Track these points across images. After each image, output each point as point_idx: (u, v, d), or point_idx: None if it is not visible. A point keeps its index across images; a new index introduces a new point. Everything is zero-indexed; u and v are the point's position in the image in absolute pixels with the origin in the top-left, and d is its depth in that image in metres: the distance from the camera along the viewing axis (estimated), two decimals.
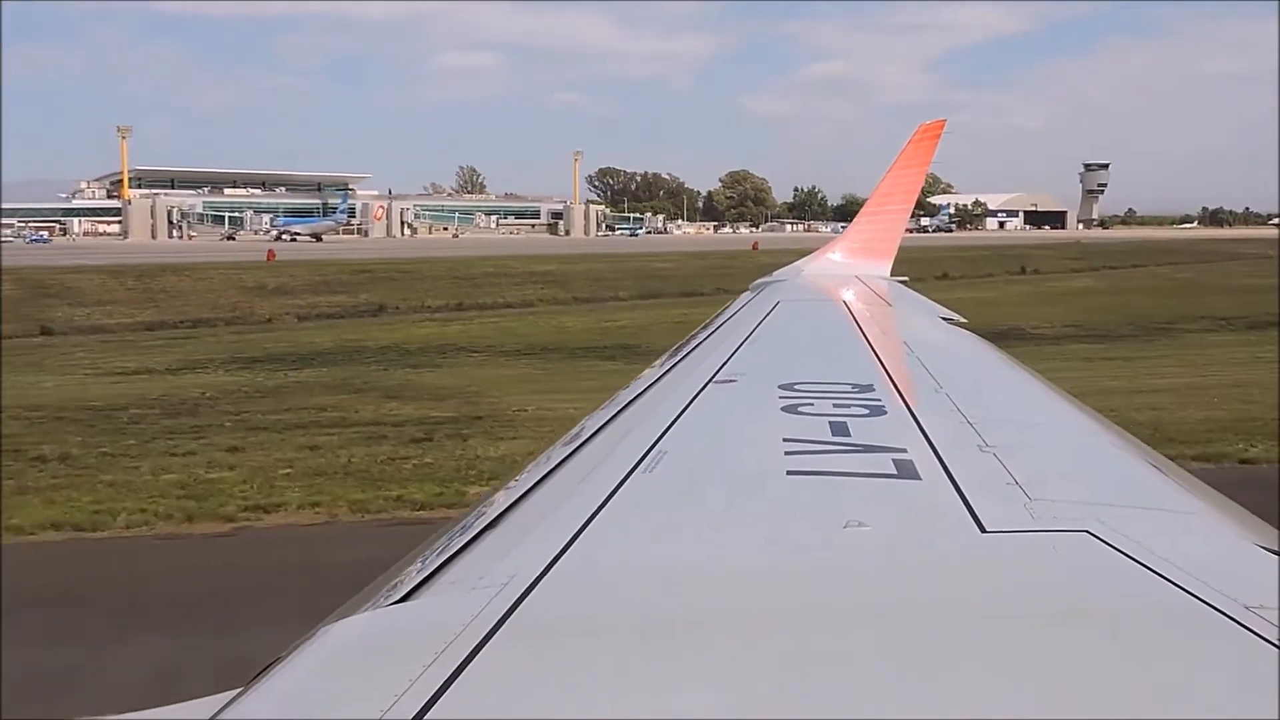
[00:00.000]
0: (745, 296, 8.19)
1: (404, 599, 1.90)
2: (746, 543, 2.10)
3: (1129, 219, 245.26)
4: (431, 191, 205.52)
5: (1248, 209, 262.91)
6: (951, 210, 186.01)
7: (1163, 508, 2.43)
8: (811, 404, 3.26)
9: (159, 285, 60.23)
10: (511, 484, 2.86)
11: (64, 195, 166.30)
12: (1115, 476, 2.80)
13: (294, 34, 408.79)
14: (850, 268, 9.48)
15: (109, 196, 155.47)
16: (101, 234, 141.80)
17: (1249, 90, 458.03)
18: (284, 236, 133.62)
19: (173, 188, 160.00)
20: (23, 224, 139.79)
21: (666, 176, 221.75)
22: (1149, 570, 1.81)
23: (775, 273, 9.41)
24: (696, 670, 1.50)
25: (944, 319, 7.07)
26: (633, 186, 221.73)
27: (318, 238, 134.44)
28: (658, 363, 5.15)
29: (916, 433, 2.86)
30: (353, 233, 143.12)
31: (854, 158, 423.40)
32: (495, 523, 2.39)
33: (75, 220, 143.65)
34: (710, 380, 3.89)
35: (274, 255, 75.89)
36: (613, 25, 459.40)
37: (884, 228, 10.10)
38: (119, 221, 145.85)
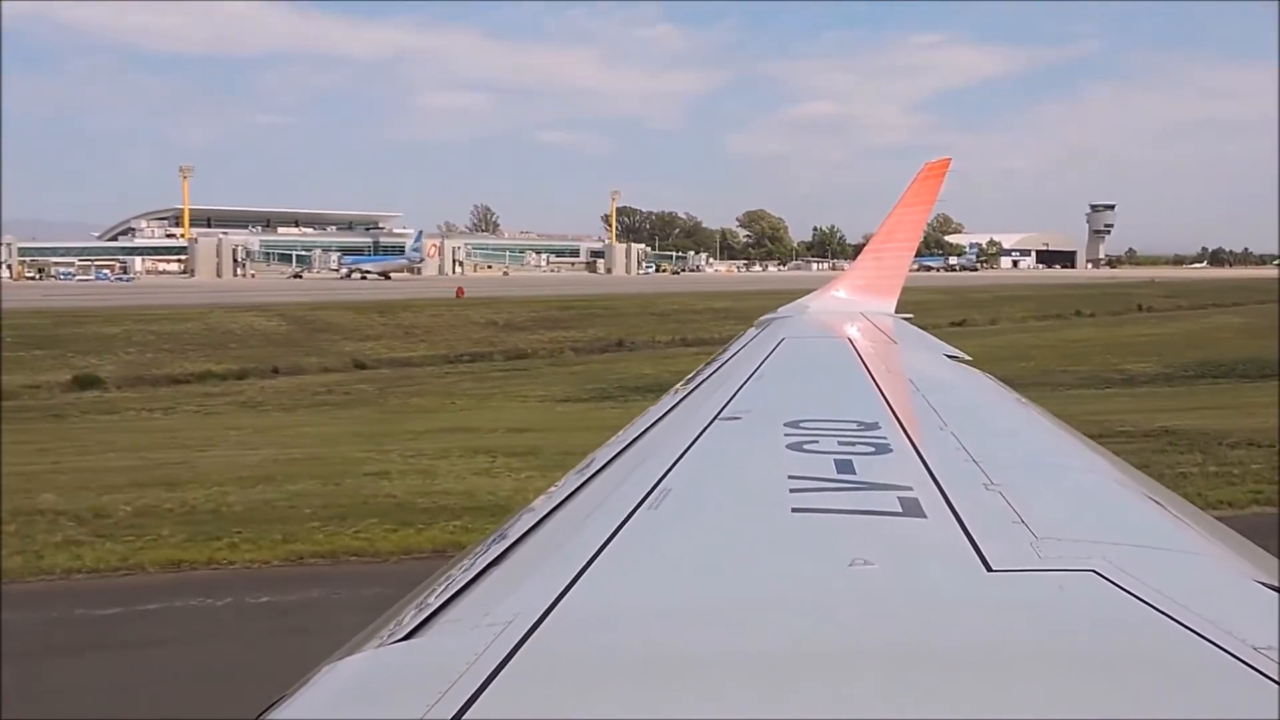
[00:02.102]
0: (750, 333, 8.12)
1: (407, 637, 1.90)
2: (751, 581, 2.07)
3: (1130, 259, 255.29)
4: (446, 230, 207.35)
5: (1246, 249, 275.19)
6: (977, 250, 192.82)
7: (1170, 547, 2.42)
8: (816, 441, 3.25)
9: (399, 321, 62.40)
10: (515, 521, 2.84)
11: (95, 234, 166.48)
12: (1122, 515, 2.77)
13: (277, 71, 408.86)
14: (855, 304, 9.40)
15: (166, 235, 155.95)
16: (162, 272, 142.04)
17: (1237, 135, 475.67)
18: (354, 274, 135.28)
19: (207, 225, 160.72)
20: (85, 263, 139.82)
21: (683, 216, 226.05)
22: (1156, 610, 1.79)
23: (780, 309, 9.35)
24: (701, 711, 1.49)
25: (949, 356, 6.95)
26: (647, 226, 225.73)
27: (387, 275, 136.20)
28: (663, 399, 5.15)
29: (922, 471, 2.84)
30: (414, 271, 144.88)
31: (844, 197, 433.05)
32: (499, 560, 2.39)
33: (137, 259, 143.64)
34: (715, 417, 3.88)
35: (463, 292, 78.17)
36: (598, 64, 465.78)
37: (889, 265, 10.09)
38: (179, 260, 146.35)
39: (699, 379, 5.66)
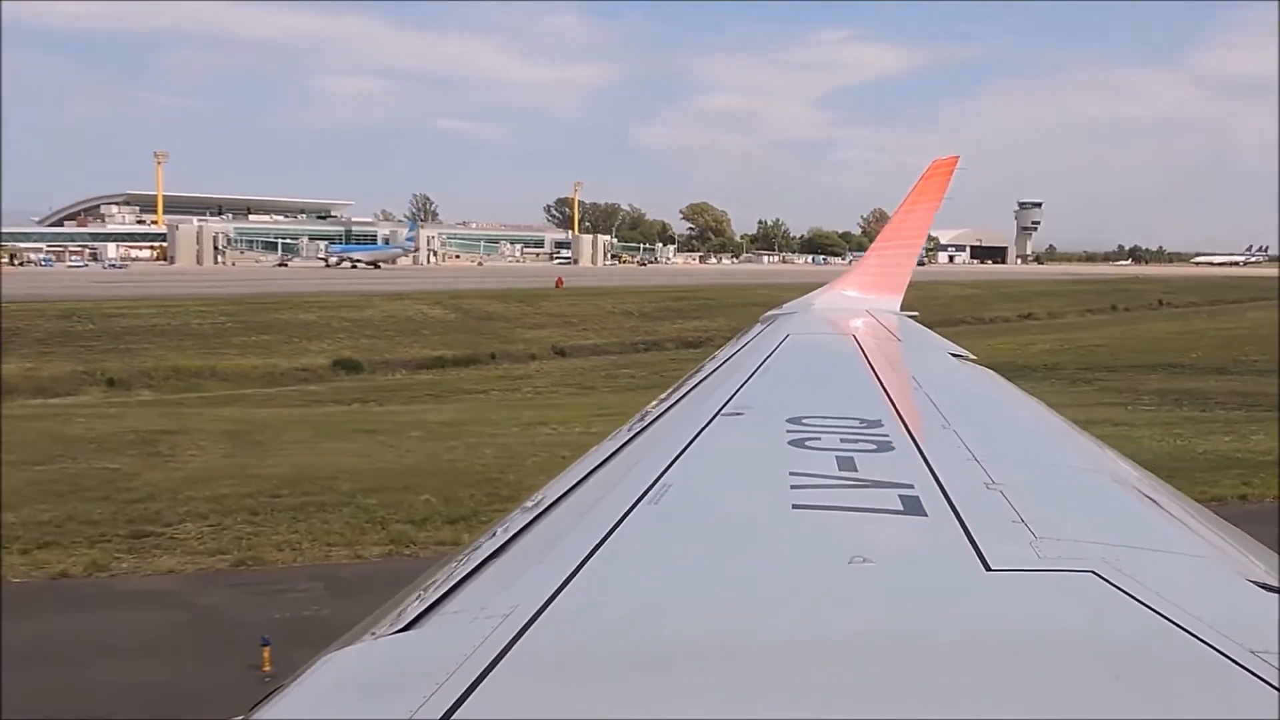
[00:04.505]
0: (755, 329, 8.16)
1: (406, 628, 1.91)
2: (751, 577, 2.06)
3: (1052, 255, 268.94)
4: (381, 218, 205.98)
5: (1161, 247, 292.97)
6: (928, 245, 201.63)
7: (1169, 548, 2.43)
8: (819, 438, 3.22)
9: (544, 310, 64.56)
10: (516, 514, 2.84)
11: (35, 219, 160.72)
12: (1123, 516, 2.77)
13: (174, 51, 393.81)
14: (861, 302, 9.39)
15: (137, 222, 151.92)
16: (135, 259, 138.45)
17: (1145, 134, 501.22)
18: (343, 263, 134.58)
19: (179, 212, 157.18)
20: (53, 249, 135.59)
21: (626, 208, 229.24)
22: (1153, 611, 1.79)
23: (785, 305, 9.32)
24: (698, 704, 1.49)
25: (953, 355, 6.99)
26: (589, 217, 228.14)
27: (376, 265, 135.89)
28: (666, 394, 5.14)
29: (923, 469, 2.82)
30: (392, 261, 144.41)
31: (753, 189, 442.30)
32: (499, 553, 2.40)
33: (110, 245, 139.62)
34: (718, 413, 3.84)
35: (562, 282, 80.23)
36: (506, 53, 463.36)
37: (894, 263, 10.06)
38: (152, 246, 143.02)
39: (703, 374, 5.63)
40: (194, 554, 12.58)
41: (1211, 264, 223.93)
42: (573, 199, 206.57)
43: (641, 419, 4.24)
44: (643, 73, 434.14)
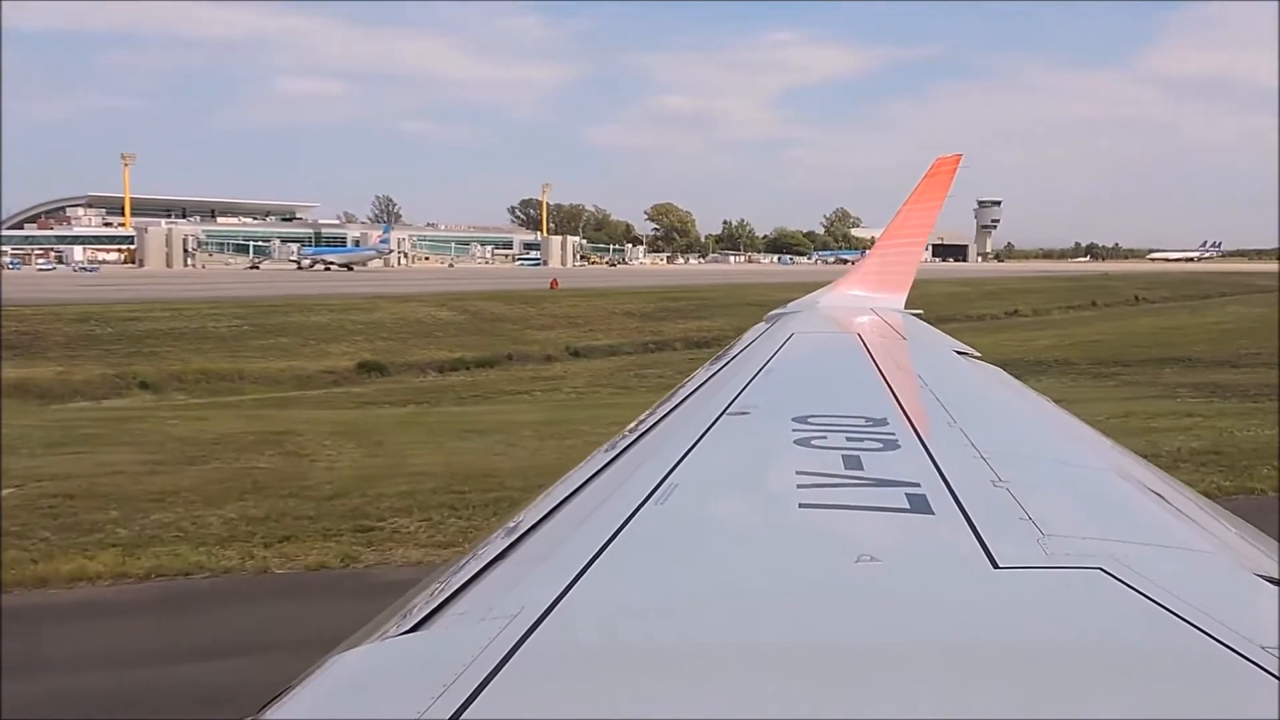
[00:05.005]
0: (759, 327, 8.17)
1: (413, 629, 1.92)
2: (757, 576, 2.07)
3: (1011, 252, 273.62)
4: (345, 220, 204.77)
5: (1117, 244, 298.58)
6: None
7: (1179, 544, 2.43)
8: (825, 437, 3.23)
9: (548, 311, 65.00)
10: (522, 515, 2.86)
11: None
12: (1131, 512, 2.76)
13: (127, 51, 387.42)
14: (865, 300, 9.41)
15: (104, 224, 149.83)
16: (104, 262, 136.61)
17: (1095, 134, 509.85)
18: (316, 266, 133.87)
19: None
20: (18, 252, 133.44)
21: (591, 208, 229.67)
22: (1163, 608, 1.79)
23: (789, 304, 9.36)
24: (706, 705, 1.49)
25: (958, 352, 6.97)
26: (554, 218, 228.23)
27: (350, 267, 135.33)
28: (672, 393, 5.16)
29: (930, 467, 2.82)
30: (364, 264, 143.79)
31: (707, 189, 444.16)
32: (506, 553, 2.42)
33: (77, 249, 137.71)
34: (723, 412, 3.85)
35: (557, 284, 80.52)
36: (463, 53, 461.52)
37: (898, 261, 10.12)
38: (120, 249, 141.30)
39: (708, 373, 5.65)
40: (425, 546, 12.87)
41: (1167, 260, 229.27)
42: (541, 201, 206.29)
43: (647, 419, 4.31)
44: (600, 73, 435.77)
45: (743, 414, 3.89)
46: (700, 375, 5.65)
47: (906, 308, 9.45)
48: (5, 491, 15.47)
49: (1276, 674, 1.54)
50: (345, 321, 54.59)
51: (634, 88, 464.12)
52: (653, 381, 42.20)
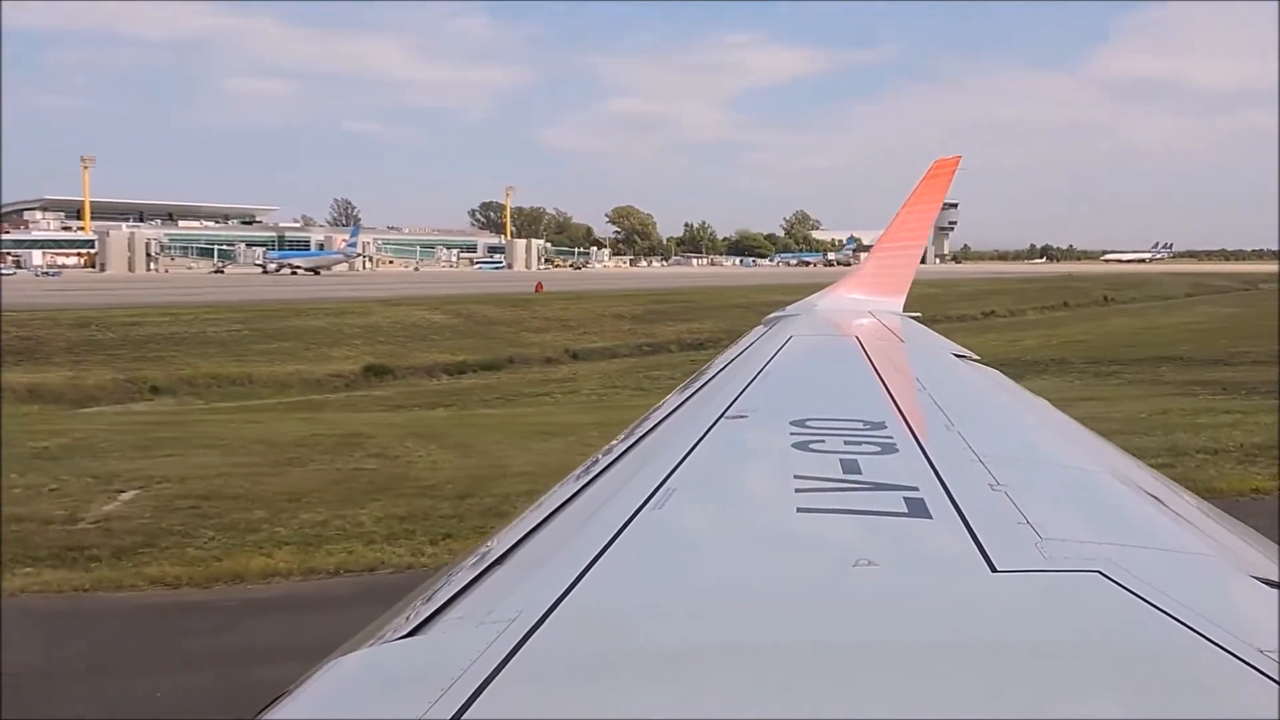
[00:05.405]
0: (758, 330, 8.19)
1: (410, 634, 1.92)
2: (755, 580, 2.06)
3: (968, 254, 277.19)
4: (303, 224, 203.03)
5: (1071, 245, 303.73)
6: (855, 244, 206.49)
7: (1177, 548, 2.42)
8: (823, 441, 3.22)
9: (539, 314, 65.11)
10: (520, 519, 2.85)
11: None
12: (1129, 515, 2.76)
13: (69, 50, 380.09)
14: (863, 303, 9.39)
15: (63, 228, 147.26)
16: (64, 267, 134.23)
17: (1047, 136, 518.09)
18: (283, 270, 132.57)
19: (98, 218, 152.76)
20: None
21: (552, 211, 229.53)
22: (1161, 612, 1.79)
23: (788, 307, 9.36)
24: (705, 708, 1.50)
25: (957, 355, 6.89)
26: (514, 221, 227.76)
27: (317, 271, 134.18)
28: (669, 397, 5.12)
29: (928, 471, 2.82)
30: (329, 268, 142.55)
31: (676, 193, 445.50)
32: (504, 558, 2.41)
33: (36, 253, 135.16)
34: (721, 415, 3.83)
35: (542, 287, 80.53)
36: (417, 55, 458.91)
37: (897, 264, 10.11)
38: (80, 254, 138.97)
39: (706, 376, 5.64)
40: None
41: (1120, 261, 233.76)
42: (504, 204, 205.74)
43: (645, 422, 4.28)
44: (554, 75, 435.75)
45: (741, 417, 3.87)
46: (698, 378, 5.66)
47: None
48: (129, 494, 15.51)
49: (1275, 678, 1.54)
50: (342, 325, 54.31)
51: (589, 90, 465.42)
52: (664, 383, 42.36)
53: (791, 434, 3.29)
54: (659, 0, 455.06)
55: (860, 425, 3.50)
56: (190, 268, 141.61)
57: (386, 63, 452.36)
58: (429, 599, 2.16)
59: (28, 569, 11.81)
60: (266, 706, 1.70)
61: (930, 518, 2.41)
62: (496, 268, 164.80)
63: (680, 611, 1.92)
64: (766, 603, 1.94)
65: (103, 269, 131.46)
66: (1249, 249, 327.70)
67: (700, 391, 4.97)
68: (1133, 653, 1.71)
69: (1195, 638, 1.68)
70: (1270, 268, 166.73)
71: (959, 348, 7.31)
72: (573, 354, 54.40)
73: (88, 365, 41.49)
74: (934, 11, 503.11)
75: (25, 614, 10.67)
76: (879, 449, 3.13)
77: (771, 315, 8.93)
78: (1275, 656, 1.60)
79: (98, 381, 39.32)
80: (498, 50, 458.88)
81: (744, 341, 7.53)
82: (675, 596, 2.02)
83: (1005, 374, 6.33)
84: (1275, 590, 2.09)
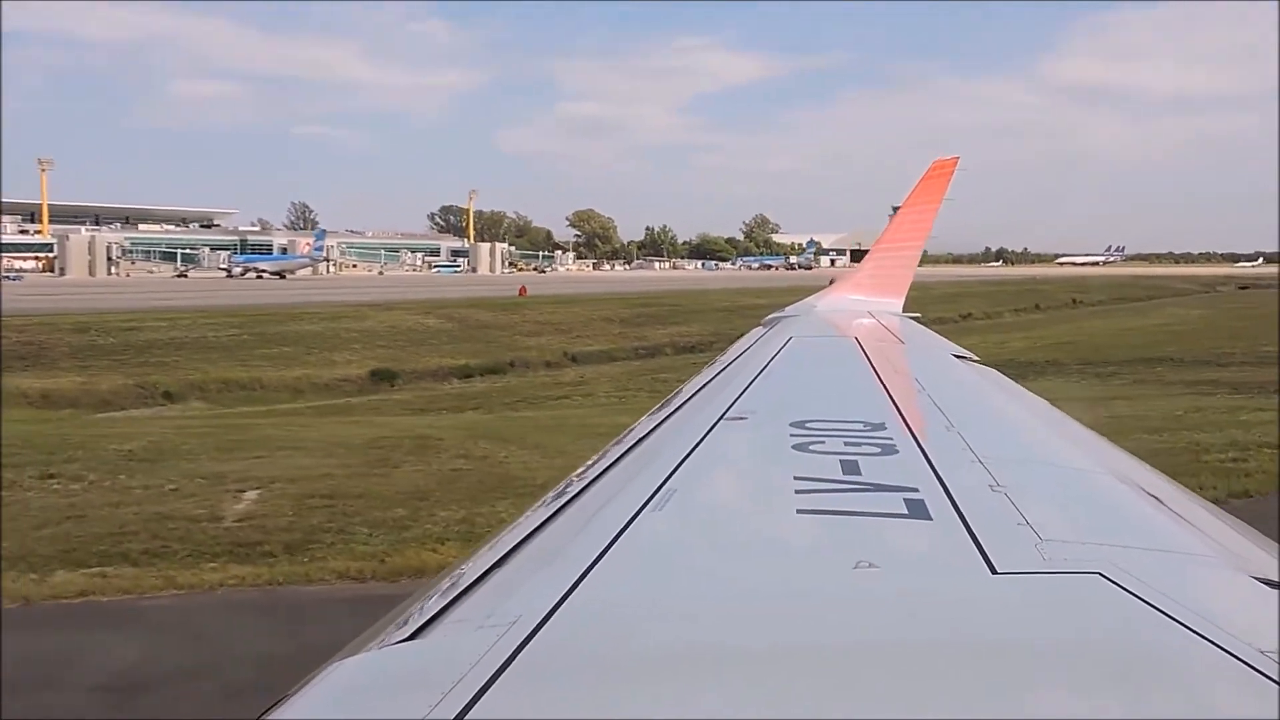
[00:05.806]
0: (757, 331, 8.13)
1: (411, 637, 1.92)
2: (755, 582, 2.06)
3: (925, 257, 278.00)
4: (261, 228, 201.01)
5: (1025, 249, 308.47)
6: (816, 248, 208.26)
7: (1178, 549, 2.42)
8: (823, 442, 3.22)
9: (530, 318, 65.17)
10: (520, 522, 2.84)
11: None
12: (1130, 517, 2.75)
13: (14, 51, 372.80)
14: (863, 304, 9.44)
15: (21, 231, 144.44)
16: (22, 271, 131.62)
17: (998, 140, 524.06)
18: (248, 274, 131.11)
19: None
20: None
21: (513, 215, 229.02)
22: (1161, 613, 1.79)
23: (788, 308, 9.39)
24: (705, 709, 1.50)
25: (956, 355, 6.86)
26: (476, 224, 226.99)
27: (283, 275, 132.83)
28: (669, 398, 5.15)
29: (928, 472, 2.83)
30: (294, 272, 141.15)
31: (635, 196, 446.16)
32: (503, 560, 2.39)
33: None
34: (721, 417, 3.85)
35: (525, 290, 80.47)
36: (373, 58, 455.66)
37: (896, 265, 10.17)
38: (38, 258, 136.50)
39: (705, 378, 5.64)
40: None
41: (1075, 264, 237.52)
42: (467, 208, 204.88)
43: (646, 423, 4.27)
44: (509, 80, 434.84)
45: (741, 419, 3.88)
46: (698, 380, 5.66)
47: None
48: (252, 494, 15.60)
49: (1275, 678, 1.54)
50: (340, 330, 54.08)
51: (544, 94, 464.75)
52: (673, 385, 42.87)
53: (791, 435, 3.31)
54: (612, 1, 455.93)
55: (860, 426, 3.51)
56: (152, 272, 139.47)
57: (342, 66, 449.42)
58: (429, 602, 2.16)
59: (211, 564, 11.90)
60: (268, 709, 1.71)
61: (930, 519, 2.41)
62: (455, 271, 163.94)
63: (681, 613, 1.92)
64: (767, 604, 1.95)
65: (63, 273, 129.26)
66: (1196, 252, 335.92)
67: (700, 393, 4.99)
68: (1133, 654, 1.70)
69: (1196, 639, 1.68)
70: (1220, 270, 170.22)
71: (959, 348, 7.31)
72: (571, 357, 54.59)
73: (95, 370, 41.04)
74: (884, 16, 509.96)
75: (234, 609, 10.79)
76: (879, 450, 3.14)
77: (771, 316, 8.98)
78: (1275, 657, 1.60)
79: (110, 386, 38.92)
80: (454, 53, 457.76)
81: (744, 342, 7.55)
82: (676, 598, 2.02)
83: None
84: (1275, 590, 2.08)
